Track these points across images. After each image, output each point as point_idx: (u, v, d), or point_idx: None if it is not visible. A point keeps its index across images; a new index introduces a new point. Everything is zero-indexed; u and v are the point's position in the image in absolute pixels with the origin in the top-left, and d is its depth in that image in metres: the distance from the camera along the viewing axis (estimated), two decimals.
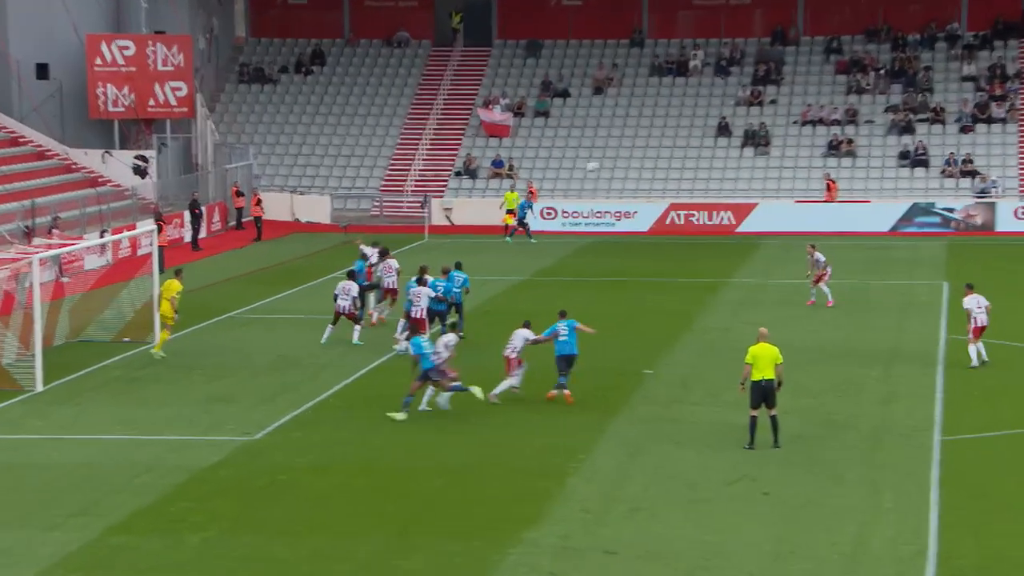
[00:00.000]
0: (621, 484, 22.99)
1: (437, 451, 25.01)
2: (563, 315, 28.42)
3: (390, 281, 36.00)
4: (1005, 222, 54.77)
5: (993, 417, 26.71)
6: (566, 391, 27.97)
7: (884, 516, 21.19)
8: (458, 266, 34.64)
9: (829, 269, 38.93)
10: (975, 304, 31.53)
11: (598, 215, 57.67)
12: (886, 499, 21.99)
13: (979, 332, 31.33)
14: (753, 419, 24.57)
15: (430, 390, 27.26)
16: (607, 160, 62.68)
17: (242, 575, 19.16)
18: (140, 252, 45.82)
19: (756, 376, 24.36)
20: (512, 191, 57.45)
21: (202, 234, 54.60)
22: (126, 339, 34.37)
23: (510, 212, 55.34)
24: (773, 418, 24.54)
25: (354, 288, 34.20)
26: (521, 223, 54.45)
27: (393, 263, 36.20)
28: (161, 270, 37.92)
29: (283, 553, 19.91)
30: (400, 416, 26.71)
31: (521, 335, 28.20)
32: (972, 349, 31.37)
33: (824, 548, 19.85)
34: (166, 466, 24.11)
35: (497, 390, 27.83)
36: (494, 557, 19.59)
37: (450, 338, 27.80)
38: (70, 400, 29.16)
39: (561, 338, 27.90)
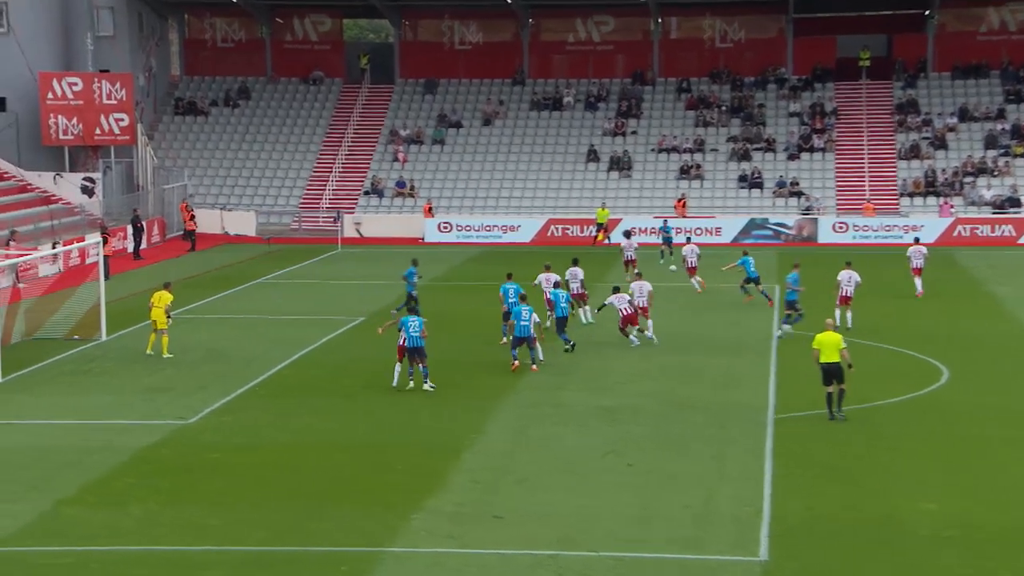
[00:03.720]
0: (509, 458, 22.91)
1: (345, 432, 24.76)
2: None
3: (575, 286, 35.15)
4: (825, 234, 55.72)
5: (816, 398, 26.93)
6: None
7: (727, 483, 21.34)
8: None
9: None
10: (846, 278, 32.77)
11: (487, 228, 57.62)
12: (729, 468, 22.16)
13: (844, 300, 33.07)
14: (828, 395, 24.52)
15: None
16: (495, 182, 62.70)
17: (178, 541, 18.81)
18: (88, 261, 45.15)
19: (824, 359, 24.30)
20: (603, 208, 56.28)
21: (143, 245, 53.86)
22: (75, 336, 33.63)
23: (600, 227, 54.98)
24: (841, 391, 24.55)
25: (580, 272, 34.81)
26: (667, 242, 50.75)
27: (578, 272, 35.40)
28: (107, 277, 37.25)
29: (213, 521, 19.62)
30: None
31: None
32: (837, 313, 32.77)
33: (678, 510, 19.94)
34: (112, 447, 23.63)
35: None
36: (398, 522, 19.41)
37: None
38: (26, 390, 28.42)
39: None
